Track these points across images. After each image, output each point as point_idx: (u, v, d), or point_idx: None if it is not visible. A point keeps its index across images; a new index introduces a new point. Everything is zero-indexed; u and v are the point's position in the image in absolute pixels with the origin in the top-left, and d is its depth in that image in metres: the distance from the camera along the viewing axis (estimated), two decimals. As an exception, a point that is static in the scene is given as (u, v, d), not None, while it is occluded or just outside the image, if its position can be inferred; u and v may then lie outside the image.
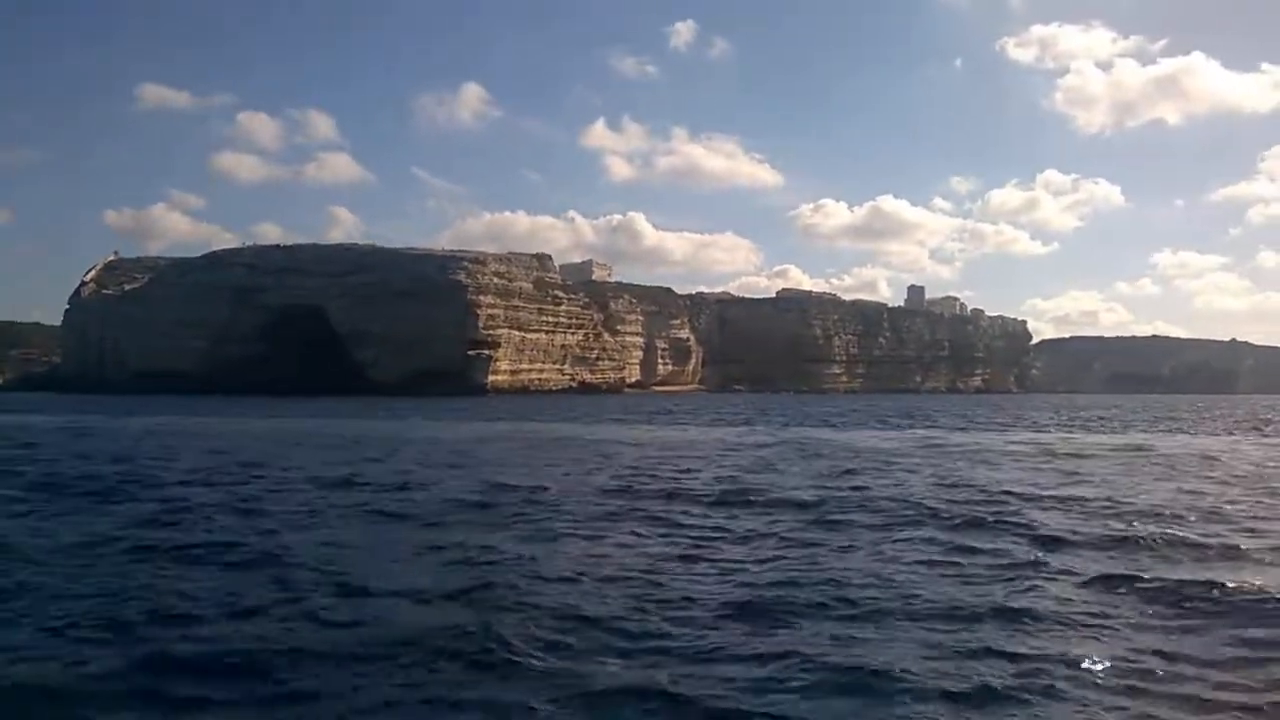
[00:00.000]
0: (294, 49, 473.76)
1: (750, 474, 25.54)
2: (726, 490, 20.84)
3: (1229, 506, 18.67)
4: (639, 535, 15.05)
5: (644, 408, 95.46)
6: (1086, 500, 19.42)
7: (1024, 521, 16.25)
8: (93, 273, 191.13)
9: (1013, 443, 40.96)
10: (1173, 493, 21.03)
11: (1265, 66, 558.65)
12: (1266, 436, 49.21)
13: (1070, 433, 51.17)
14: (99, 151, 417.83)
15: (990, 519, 16.58)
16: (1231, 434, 51.19)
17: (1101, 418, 74.18)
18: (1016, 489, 21.46)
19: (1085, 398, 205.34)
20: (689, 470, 26.33)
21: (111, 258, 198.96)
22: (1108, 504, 18.75)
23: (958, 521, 16.29)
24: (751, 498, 19.51)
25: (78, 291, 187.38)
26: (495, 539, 14.42)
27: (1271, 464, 30.14)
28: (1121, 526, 15.83)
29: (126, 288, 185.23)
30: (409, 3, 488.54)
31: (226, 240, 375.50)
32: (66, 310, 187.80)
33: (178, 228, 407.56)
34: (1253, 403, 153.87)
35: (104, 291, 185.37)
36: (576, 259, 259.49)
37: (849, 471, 26.22)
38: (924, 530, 15.47)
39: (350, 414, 69.05)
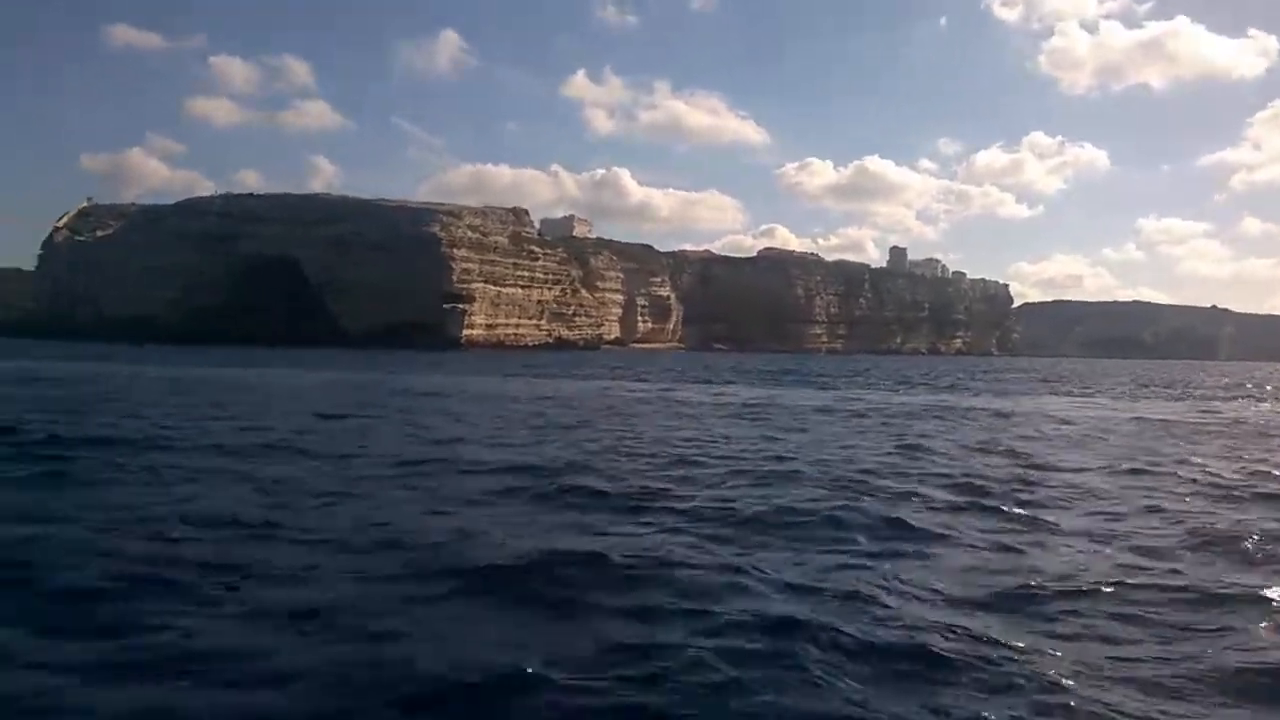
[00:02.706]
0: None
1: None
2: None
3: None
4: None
5: (591, 364, 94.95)
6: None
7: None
8: (65, 219, 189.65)
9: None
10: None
11: (1252, 31, 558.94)
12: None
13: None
14: (71, 94, 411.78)
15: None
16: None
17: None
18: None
19: (1054, 361, 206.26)
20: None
21: (85, 204, 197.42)
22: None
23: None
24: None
25: (50, 238, 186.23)
26: None
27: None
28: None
29: (99, 234, 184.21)
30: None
31: (206, 187, 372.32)
32: (40, 256, 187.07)
33: (157, 173, 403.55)
34: (1214, 370, 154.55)
35: (77, 238, 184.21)
36: (560, 213, 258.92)
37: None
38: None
39: (281, 364, 68.36)
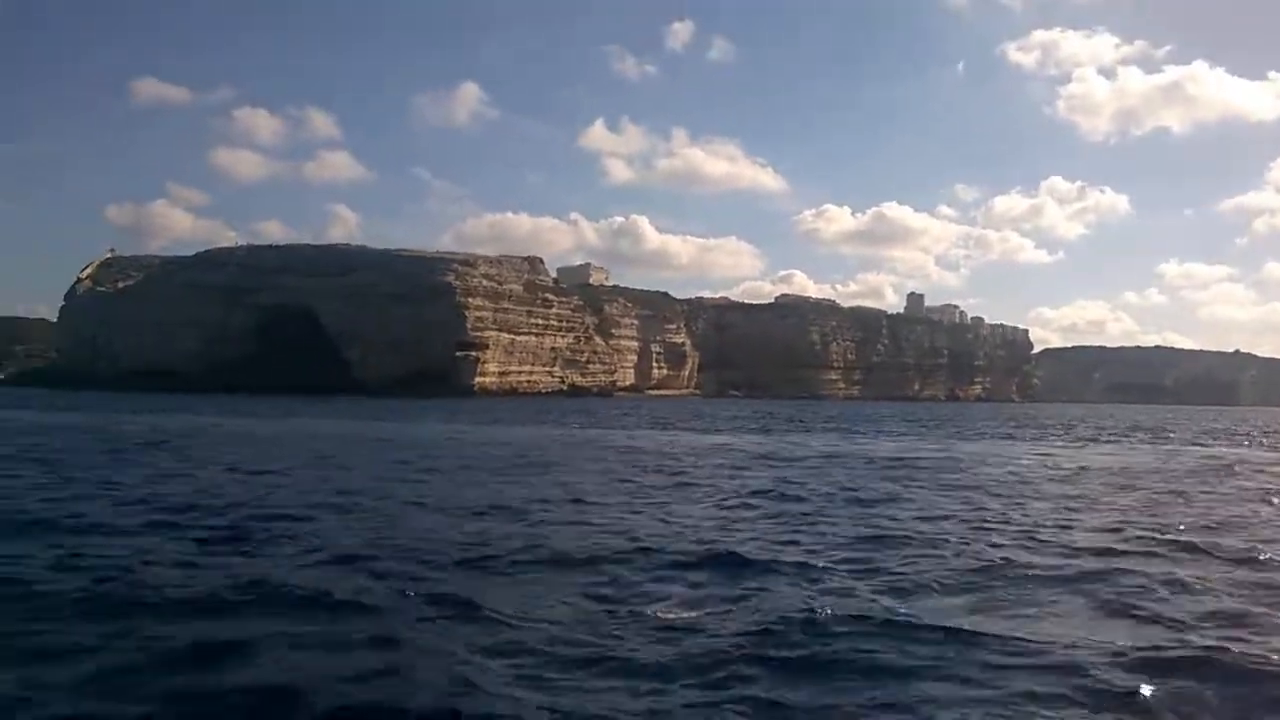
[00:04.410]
0: (289, 45, 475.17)
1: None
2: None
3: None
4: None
5: (579, 411, 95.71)
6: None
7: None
8: (88, 270, 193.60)
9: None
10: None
11: (1272, 74, 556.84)
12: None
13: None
14: (96, 146, 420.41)
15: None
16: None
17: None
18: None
19: (1061, 407, 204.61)
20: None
21: (108, 255, 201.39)
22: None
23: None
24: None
25: (73, 289, 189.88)
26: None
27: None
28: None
29: (121, 285, 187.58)
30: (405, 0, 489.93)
31: (229, 237, 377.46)
32: (62, 307, 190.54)
33: (180, 224, 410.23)
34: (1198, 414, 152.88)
35: (99, 289, 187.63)
36: (578, 261, 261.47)
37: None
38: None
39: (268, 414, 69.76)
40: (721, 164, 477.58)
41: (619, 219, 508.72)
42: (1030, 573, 12.32)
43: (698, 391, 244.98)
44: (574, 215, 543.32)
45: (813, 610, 9.76)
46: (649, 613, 9.92)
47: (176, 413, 64.98)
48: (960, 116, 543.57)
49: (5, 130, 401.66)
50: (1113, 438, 58.16)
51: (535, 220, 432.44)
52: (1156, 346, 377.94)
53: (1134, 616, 10.05)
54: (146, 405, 78.25)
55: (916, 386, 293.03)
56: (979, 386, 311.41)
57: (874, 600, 10.58)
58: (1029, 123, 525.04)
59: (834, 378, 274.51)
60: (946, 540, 14.86)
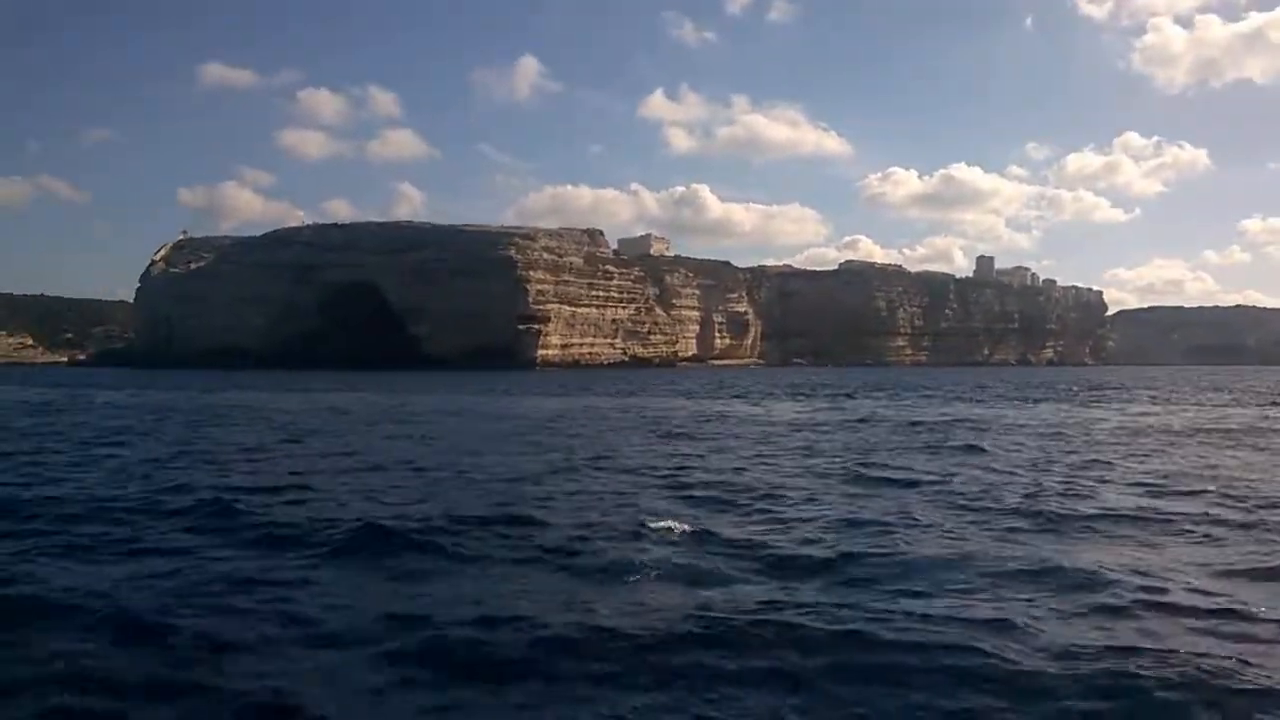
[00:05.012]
0: (350, 25, 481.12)
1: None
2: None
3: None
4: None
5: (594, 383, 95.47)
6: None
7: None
8: (162, 252, 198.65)
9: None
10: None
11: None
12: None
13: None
14: (167, 131, 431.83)
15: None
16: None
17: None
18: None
19: (1136, 370, 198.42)
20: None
21: (180, 237, 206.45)
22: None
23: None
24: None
25: (148, 271, 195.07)
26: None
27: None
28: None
29: (193, 266, 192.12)
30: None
31: (296, 217, 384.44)
32: (138, 289, 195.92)
33: (250, 205, 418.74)
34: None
35: (172, 270, 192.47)
36: (640, 232, 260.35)
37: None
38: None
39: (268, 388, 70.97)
40: (783, 130, 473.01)
41: (680, 188, 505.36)
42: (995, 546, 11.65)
43: (761, 361, 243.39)
44: (635, 186, 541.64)
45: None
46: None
47: (237, 390, 66.27)
48: (1030, 73, 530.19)
49: (81, 119, 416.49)
50: (1171, 399, 56.44)
51: (596, 192, 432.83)
52: (1238, 306, 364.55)
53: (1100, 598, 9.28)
54: (215, 383, 79.98)
55: (986, 351, 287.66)
56: (1051, 350, 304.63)
57: (832, 576, 10.11)
58: (1102, 77, 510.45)
59: (901, 344, 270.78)
60: (924, 509, 14.37)
